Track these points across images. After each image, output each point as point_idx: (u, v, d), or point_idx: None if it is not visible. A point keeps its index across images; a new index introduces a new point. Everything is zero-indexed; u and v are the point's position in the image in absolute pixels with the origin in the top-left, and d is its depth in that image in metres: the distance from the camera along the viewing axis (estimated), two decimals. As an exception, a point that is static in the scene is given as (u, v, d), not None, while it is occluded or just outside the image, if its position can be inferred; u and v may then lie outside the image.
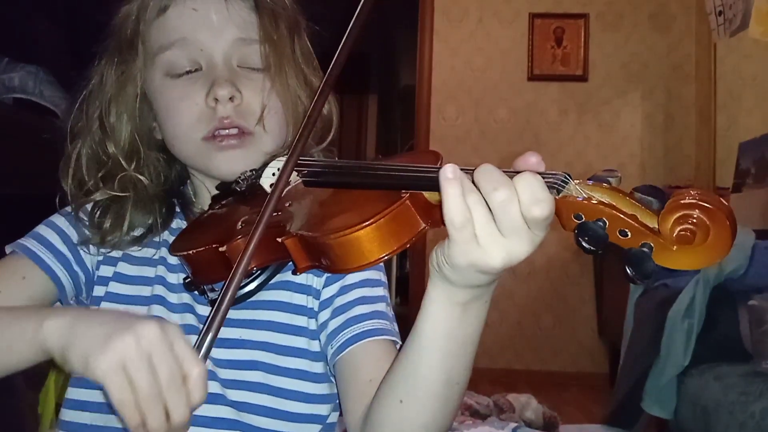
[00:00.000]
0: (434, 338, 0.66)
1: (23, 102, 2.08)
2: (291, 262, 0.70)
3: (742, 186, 3.25)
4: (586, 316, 4.06)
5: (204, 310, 0.85)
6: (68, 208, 0.90)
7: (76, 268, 0.88)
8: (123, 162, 0.88)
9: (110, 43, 0.91)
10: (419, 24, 4.30)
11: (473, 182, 0.57)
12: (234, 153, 0.85)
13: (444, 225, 0.59)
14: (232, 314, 0.82)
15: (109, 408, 0.80)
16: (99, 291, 0.88)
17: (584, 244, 0.55)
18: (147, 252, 0.90)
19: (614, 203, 0.55)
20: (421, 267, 4.22)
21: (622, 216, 0.55)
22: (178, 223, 0.92)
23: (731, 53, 3.67)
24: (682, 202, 0.53)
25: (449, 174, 0.57)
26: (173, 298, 0.87)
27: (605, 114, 4.20)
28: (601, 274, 3.85)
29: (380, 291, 0.87)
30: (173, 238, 0.88)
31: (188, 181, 0.96)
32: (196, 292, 0.84)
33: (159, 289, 0.87)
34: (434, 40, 4.26)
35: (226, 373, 0.83)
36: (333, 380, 0.85)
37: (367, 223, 0.61)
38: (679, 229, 0.53)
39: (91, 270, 0.89)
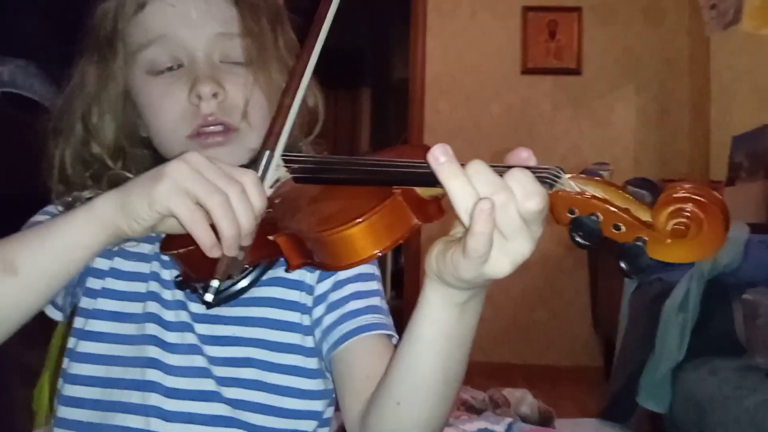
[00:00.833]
0: (433, 341, 0.66)
1: (13, 96, 2.06)
2: (283, 259, 0.70)
3: (735, 179, 3.25)
4: (581, 309, 4.06)
5: (197, 307, 0.85)
6: (50, 208, 0.89)
7: None
8: (109, 162, 0.87)
9: (89, 41, 0.89)
10: (412, 18, 4.29)
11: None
12: (219, 150, 0.84)
13: (436, 220, 0.59)
14: (225, 311, 0.83)
15: (105, 406, 0.80)
16: (95, 284, 0.87)
17: (578, 239, 0.55)
18: (143, 247, 0.89)
19: (607, 197, 0.55)
20: (416, 261, 4.22)
21: (615, 210, 0.54)
22: None
23: (724, 47, 3.67)
24: (675, 195, 0.53)
25: (486, 210, 0.54)
26: (167, 294, 0.86)
27: (599, 108, 4.20)
28: (595, 267, 3.85)
29: (374, 285, 0.86)
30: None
31: None
32: (188, 291, 0.83)
33: (154, 286, 0.86)
34: (427, 34, 4.25)
35: (221, 371, 0.82)
36: (328, 376, 0.85)
37: (359, 220, 0.61)
38: (673, 222, 0.53)
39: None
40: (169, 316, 0.84)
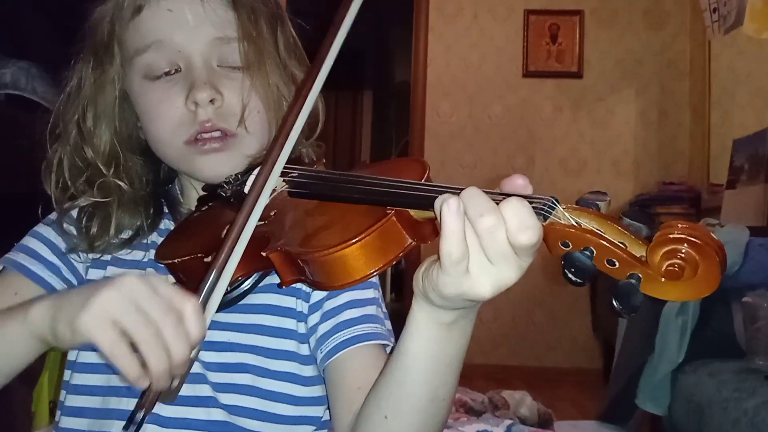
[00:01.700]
0: (419, 358, 0.65)
1: (15, 98, 2.06)
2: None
3: (736, 183, 3.25)
4: (580, 312, 4.06)
5: None
6: (52, 216, 0.89)
7: (68, 275, 0.86)
8: (102, 168, 0.86)
9: (86, 45, 0.88)
10: (414, 20, 4.30)
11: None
12: (217, 156, 0.83)
13: (431, 241, 0.58)
14: (221, 317, 0.82)
15: (104, 413, 0.80)
16: None
17: (570, 276, 0.54)
18: (136, 255, 0.88)
19: (602, 231, 0.53)
20: (416, 263, 4.20)
21: (609, 246, 0.53)
22: (166, 224, 0.91)
23: (725, 50, 3.67)
24: (670, 236, 0.51)
25: (453, 209, 0.54)
26: None
27: (600, 110, 4.21)
28: (595, 270, 3.85)
29: (370, 293, 0.85)
30: (162, 239, 0.87)
31: (176, 179, 0.95)
32: None
33: None
34: (429, 36, 4.26)
35: (216, 377, 0.82)
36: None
37: (353, 240, 0.60)
38: (667, 263, 0.52)
39: (83, 276, 0.88)
40: None
